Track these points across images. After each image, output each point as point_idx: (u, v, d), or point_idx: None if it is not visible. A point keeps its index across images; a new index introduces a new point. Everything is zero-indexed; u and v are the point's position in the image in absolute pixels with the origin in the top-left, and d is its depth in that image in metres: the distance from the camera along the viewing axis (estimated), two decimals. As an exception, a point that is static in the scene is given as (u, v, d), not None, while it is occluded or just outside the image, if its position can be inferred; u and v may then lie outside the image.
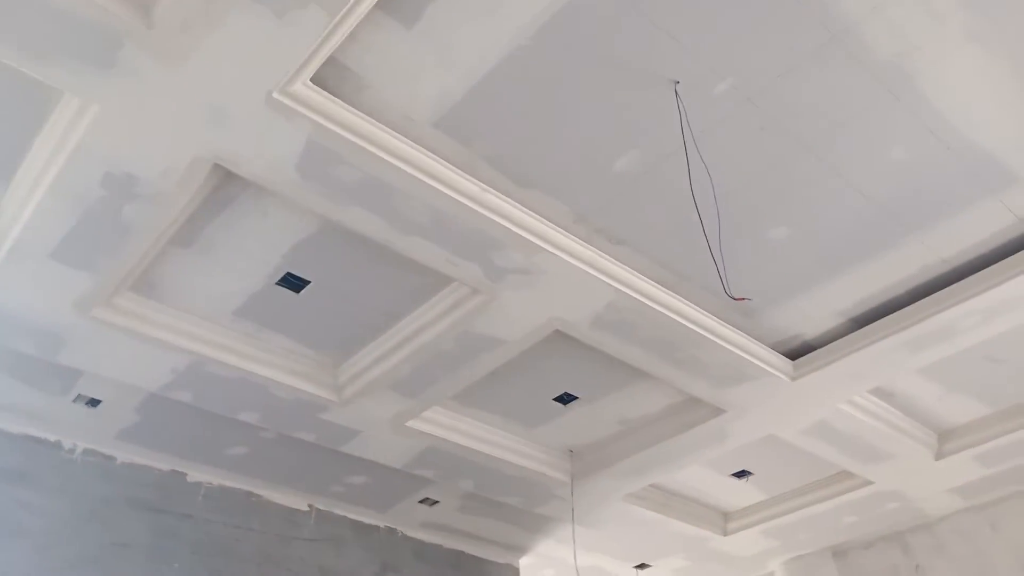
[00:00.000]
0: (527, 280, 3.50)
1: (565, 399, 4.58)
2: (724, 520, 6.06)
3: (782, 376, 4.22)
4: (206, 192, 3.17)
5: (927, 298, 3.86)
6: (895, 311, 3.95)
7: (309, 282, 3.62)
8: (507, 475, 5.02)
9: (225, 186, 3.19)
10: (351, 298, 3.75)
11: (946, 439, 5.09)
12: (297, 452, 4.67)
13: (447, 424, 4.62)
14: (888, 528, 6.20)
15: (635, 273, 3.62)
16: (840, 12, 2.62)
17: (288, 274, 3.56)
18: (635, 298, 3.63)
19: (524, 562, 6.49)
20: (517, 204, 3.23)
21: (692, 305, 3.83)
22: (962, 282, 3.77)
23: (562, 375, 4.38)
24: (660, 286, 3.71)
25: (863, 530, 6.16)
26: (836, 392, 4.37)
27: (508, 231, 3.23)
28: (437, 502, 5.46)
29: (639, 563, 6.72)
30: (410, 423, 4.48)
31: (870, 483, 5.38)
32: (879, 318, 4.00)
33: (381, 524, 5.66)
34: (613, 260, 3.55)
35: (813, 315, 4.03)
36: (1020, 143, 3.15)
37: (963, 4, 2.63)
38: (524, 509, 5.51)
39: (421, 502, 5.44)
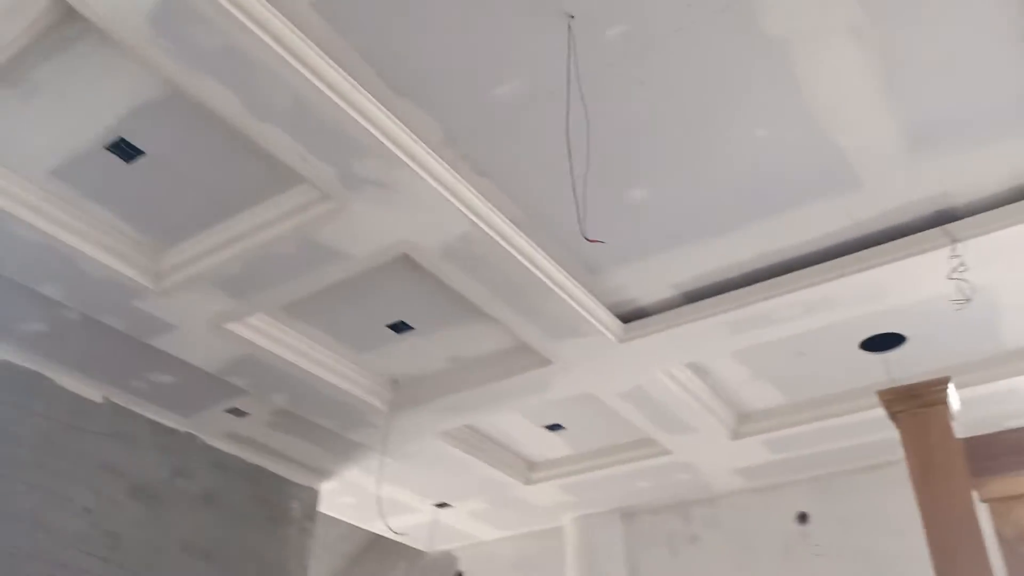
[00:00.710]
0: (383, 195, 3.36)
1: (400, 328, 4.48)
2: (529, 470, 6.22)
3: (611, 337, 4.33)
4: (42, 27, 2.79)
5: (757, 284, 4.06)
6: (726, 292, 4.14)
7: (143, 153, 3.29)
8: (324, 395, 4.88)
9: (66, 24, 2.82)
10: (188, 179, 3.45)
11: (743, 421, 5.45)
12: (101, 338, 4.30)
13: (270, 333, 4.42)
14: (674, 497, 6.59)
15: (494, 209, 3.56)
16: (741, -18, 2.64)
17: (121, 140, 3.22)
18: (490, 235, 3.57)
19: (326, 487, 6.39)
20: (387, 111, 3.07)
21: (543, 252, 3.84)
22: (790, 275, 3.99)
23: (400, 303, 4.28)
24: (516, 227, 3.68)
25: (652, 496, 6.52)
26: (658, 360, 4.54)
27: (373, 138, 3.07)
28: (246, 414, 5.24)
29: (440, 501, 6.79)
30: (231, 326, 4.24)
31: (669, 452, 5.68)
32: (710, 296, 4.17)
33: (181, 428, 5.36)
34: (475, 191, 3.47)
35: (650, 283, 4.14)
36: (871, 152, 3.33)
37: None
38: (336, 433, 5.40)
39: (228, 411, 5.20)
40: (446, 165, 3.33)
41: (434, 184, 3.31)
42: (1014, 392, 4.95)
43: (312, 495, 6.27)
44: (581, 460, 6.01)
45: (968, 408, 4.96)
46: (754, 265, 4.00)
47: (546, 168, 3.40)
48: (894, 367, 4.79)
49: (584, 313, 4.14)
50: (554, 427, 5.62)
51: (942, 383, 2.31)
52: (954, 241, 3.53)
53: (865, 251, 3.81)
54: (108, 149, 3.26)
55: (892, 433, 5.35)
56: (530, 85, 3.03)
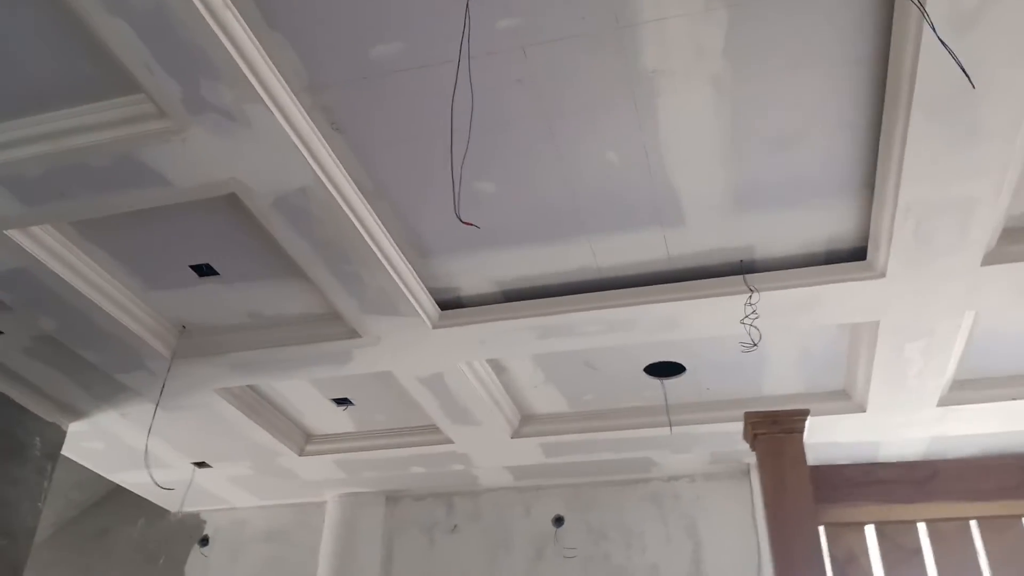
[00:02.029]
0: (227, 127, 3.14)
1: (204, 270, 4.20)
2: (305, 440, 6.06)
3: (427, 321, 4.33)
4: None
5: (570, 296, 4.23)
6: (542, 297, 4.28)
7: (-45, 16, 2.85)
8: (101, 328, 4.46)
9: None
10: (5, 58, 3.03)
11: (526, 422, 5.65)
12: None
13: (54, 249, 3.97)
14: (441, 486, 6.71)
15: (342, 168, 3.45)
16: (637, 8, 2.76)
17: (-70, -6, 2.77)
18: (332, 194, 3.45)
19: (74, 428, 5.85)
20: (255, 39, 2.89)
21: (381, 224, 3.77)
22: (601, 293, 4.20)
23: (211, 244, 4.01)
24: (359, 193, 3.59)
25: (422, 483, 6.59)
26: (465, 351, 4.61)
27: (232, 63, 2.86)
28: (2, 333, 4.68)
29: (200, 460, 6.43)
30: (10, 232, 3.76)
31: (451, 442, 5.77)
32: (526, 299, 4.30)
33: (-85, 338, 4.71)
34: (327, 146, 3.34)
35: (475, 276, 4.19)
36: (700, 196, 3.59)
37: (726, 52, 2.93)
38: (103, 371, 4.95)
39: (-20, 327, 4.63)
40: (304, 112, 3.18)
41: (287, 128, 3.15)
42: None
43: (58, 434, 5.72)
44: (361, 438, 5.94)
45: (722, 440, 5.51)
46: (573, 278, 4.17)
47: (403, 141, 3.35)
48: (670, 392, 5.19)
49: (407, 293, 4.11)
50: (342, 401, 5.52)
51: (802, 414, 2.60)
52: (752, 291, 3.89)
53: (671, 284, 4.10)
54: (-91, 1, 2.78)
55: (646, 453, 5.88)
56: (411, 53, 2.97)
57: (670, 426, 5.20)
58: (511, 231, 3.86)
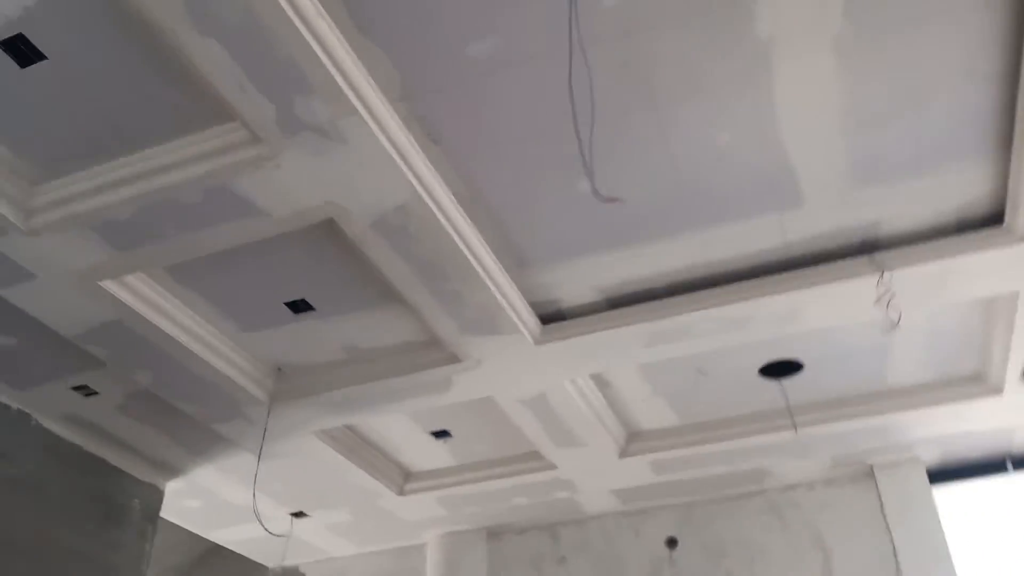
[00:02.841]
0: (323, 146, 3.01)
1: (299, 307, 4.07)
2: (404, 479, 5.87)
3: (529, 338, 4.13)
4: None
5: (680, 296, 4.00)
6: (648, 301, 4.05)
7: (46, 58, 2.78)
8: (197, 377, 4.36)
9: None
10: (92, 100, 2.95)
11: (633, 439, 5.39)
12: (-65, 282, 3.63)
13: (148, 298, 3.89)
14: (545, 518, 6.45)
15: (440, 181, 3.29)
16: (746, -29, 2.57)
17: (20, 37, 2.70)
18: (431, 209, 3.29)
19: (171, 486, 5.76)
20: (349, 48, 2.76)
21: (480, 237, 3.60)
22: (714, 289, 3.96)
23: (305, 277, 3.88)
24: (458, 205, 3.43)
25: (524, 515, 6.34)
26: (569, 367, 4.39)
27: (327, 75, 2.73)
28: (96, 393, 4.62)
29: (298, 510, 6.29)
30: (105, 283, 3.68)
31: (553, 468, 5.53)
32: (631, 304, 4.07)
33: (13, 404, 4.66)
34: (423, 157, 3.19)
35: (576, 284, 3.99)
36: (819, 170, 3.35)
37: (847, 11, 2.71)
38: (199, 423, 4.84)
39: (76, 388, 4.56)
40: (400, 123, 3.04)
41: (385, 142, 3.01)
42: (887, 428, 5.18)
43: (156, 495, 5.64)
44: (462, 471, 5.74)
45: (845, 441, 5.17)
46: (681, 276, 3.94)
47: (501, 144, 3.19)
48: (790, 393, 4.88)
49: (508, 309, 3.92)
50: (440, 434, 5.33)
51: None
52: (882, 270, 3.61)
53: (789, 273, 3.83)
54: (1, 45, 2.72)
55: (761, 462, 5.56)
56: (509, 46, 2.81)
57: (795, 428, 4.88)
58: (614, 231, 3.65)
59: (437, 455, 5.61)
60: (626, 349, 4.22)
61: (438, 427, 5.26)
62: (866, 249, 3.72)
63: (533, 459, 5.56)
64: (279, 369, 4.58)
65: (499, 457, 5.63)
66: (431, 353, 4.35)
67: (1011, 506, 5.71)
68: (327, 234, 3.56)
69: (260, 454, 4.68)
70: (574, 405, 4.75)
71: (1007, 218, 3.51)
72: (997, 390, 4.73)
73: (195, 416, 4.73)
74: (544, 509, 6.18)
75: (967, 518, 5.75)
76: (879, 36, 2.80)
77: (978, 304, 4.17)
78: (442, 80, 2.92)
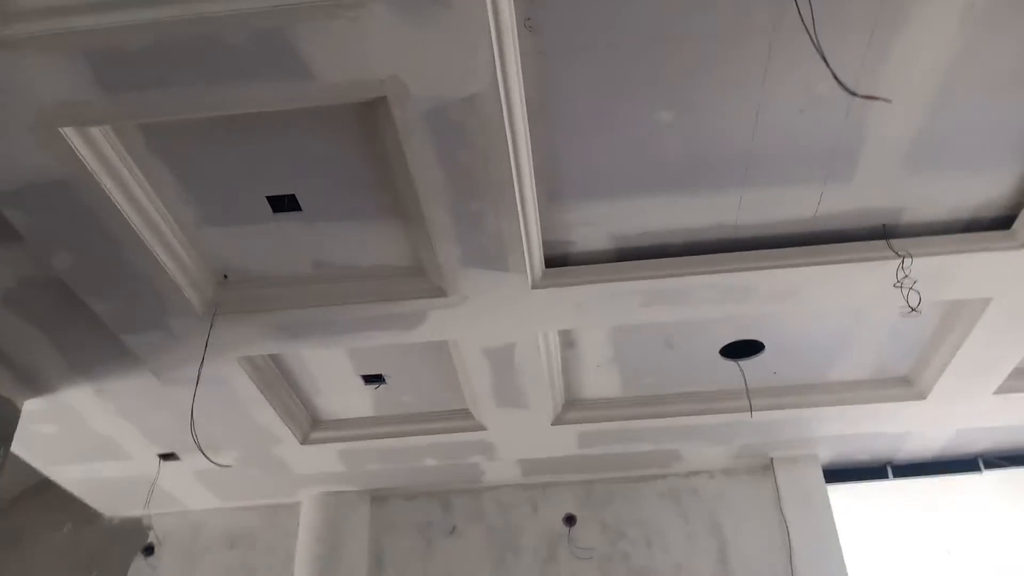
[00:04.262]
0: (419, 7, 2.57)
1: (284, 204, 3.52)
2: (312, 425, 5.32)
3: (529, 279, 3.83)
4: None
5: (689, 257, 3.87)
6: (657, 257, 3.89)
7: None
8: (129, 268, 3.61)
9: None
10: None
11: (570, 408, 5.19)
12: None
13: (109, 160, 3.19)
14: (437, 484, 6.12)
15: (520, 79, 2.93)
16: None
17: None
18: (500, 107, 2.91)
19: (30, 406, 4.86)
20: None
21: (530, 154, 3.26)
22: (723, 255, 3.85)
23: (306, 169, 3.35)
24: (525, 110, 3.08)
25: (419, 479, 5.98)
26: (556, 317, 4.12)
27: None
28: (-13, 271, 3.77)
29: (169, 451, 5.54)
30: (67, 130, 2.97)
31: (483, 429, 5.23)
32: (641, 258, 3.89)
33: None
34: (517, 47, 2.82)
35: (595, 227, 3.75)
36: (885, 147, 3.33)
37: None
38: (105, 329, 4.08)
39: (-40, 264, 3.70)
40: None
41: (491, 16, 2.62)
42: (798, 422, 5.33)
43: (11, 412, 4.73)
44: (379, 423, 5.28)
45: (761, 430, 5.28)
46: (701, 236, 3.81)
47: (600, 49, 2.90)
48: (734, 377, 4.90)
49: (525, 243, 3.60)
50: (373, 378, 4.86)
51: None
52: (903, 255, 3.67)
53: (803, 248, 3.82)
54: None
55: (680, 445, 5.58)
56: (663, -68, 2.54)
57: (751, 411, 4.91)
58: (663, 174, 3.46)
59: (358, 403, 5.13)
60: (622, 306, 4.03)
61: (374, 370, 4.80)
62: (883, 235, 3.77)
63: (462, 417, 5.22)
64: (225, 276, 3.95)
65: (425, 412, 5.24)
66: (413, 282, 3.92)
67: (893, 509, 6.12)
68: (362, 118, 3.08)
69: (199, 375, 3.99)
70: (536, 362, 4.49)
71: (1017, 222, 3.67)
72: (921, 395, 5.01)
73: (104, 318, 3.97)
74: (449, 474, 5.85)
75: (856, 517, 6.10)
76: (1007, 10, 2.80)
77: (939, 307, 4.37)
78: (572, -41, 2.59)
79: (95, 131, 3.05)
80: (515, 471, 5.95)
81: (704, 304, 4.05)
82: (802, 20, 2.30)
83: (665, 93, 3.06)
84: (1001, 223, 3.75)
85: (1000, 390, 4.93)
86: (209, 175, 3.37)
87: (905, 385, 5.05)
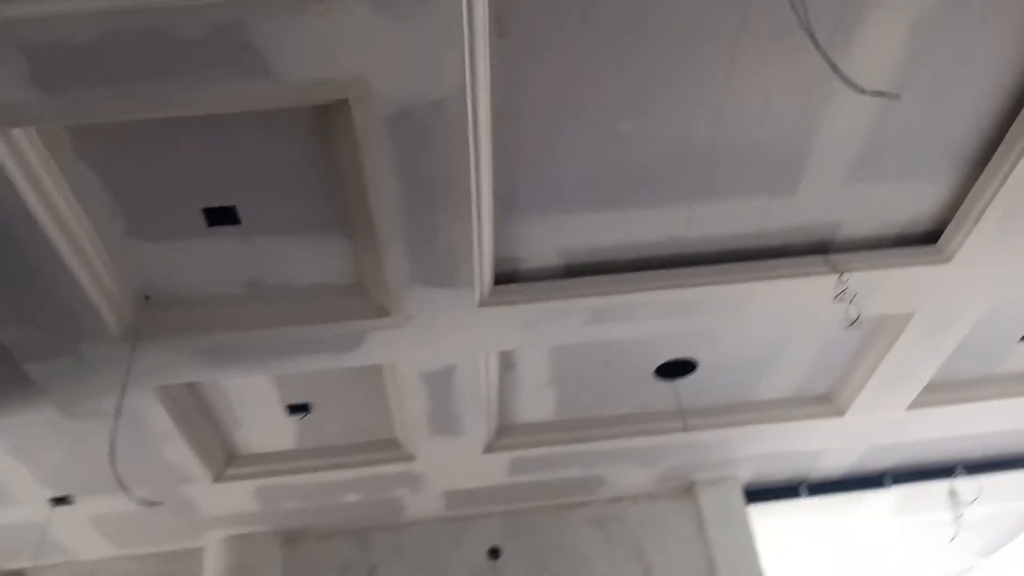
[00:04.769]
0: (395, 3, 2.46)
1: (221, 217, 3.28)
2: (227, 461, 4.96)
3: (476, 296, 3.72)
4: None
5: (639, 272, 3.87)
6: (606, 273, 3.86)
7: None
8: (42, 285, 3.28)
9: None
10: None
11: (503, 434, 5.07)
12: None
13: (30, 166, 2.87)
14: (354, 522, 5.85)
15: (487, 83, 2.84)
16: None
17: None
18: (467, 112, 2.82)
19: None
20: None
21: (491, 162, 3.17)
22: (673, 271, 3.87)
23: (249, 179, 3.14)
24: (491, 115, 3.00)
25: (344, 516, 5.69)
26: (501, 336, 4.02)
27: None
28: None
29: (63, 494, 5.03)
30: (-14, 129, 2.67)
31: (411, 459, 5.03)
32: (589, 274, 3.86)
33: None
34: (487, 49, 2.74)
35: (545, 242, 3.68)
36: (832, 157, 3.42)
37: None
38: (6, 356, 3.68)
39: None
40: (486, 2, 2.58)
41: (465, 16, 2.53)
42: (719, 443, 5.41)
43: None
44: (300, 457, 4.99)
45: (686, 452, 5.32)
46: (650, 252, 3.81)
47: (568, 54, 2.86)
48: (666, 398, 4.93)
49: (476, 258, 3.49)
50: (299, 408, 4.59)
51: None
52: (841, 271, 3.79)
53: (749, 263, 3.88)
54: None
55: (608, 469, 5.55)
56: (643, -62, 2.54)
57: (685, 430, 4.92)
58: (621, 186, 3.44)
59: (279, 435, 4.83)
60: (568, 324, 3.98)
61: (300, 399, 4.53)
62: (821, 249, 3.88)
63: (390, 448, 5.01)
64: (147, 297, 3.64)
65: (351, 443, 4.99)
66: (354, 302, 3.74)
67: (808, 527, 6.28)
68: (315, 121, 2.93)
69: (120, 406, 3.62)
70: (475, 385, 4.36)
71: (943, 238, 3.86)
72: (840, 412, 5.18)
73: (7, 343, 3.58)
74: (366, 510, 5.59)
75: (776, 536, 6.21)
76: (952, 22, 2.91)
77: (866, 322, 4.53)
78: (551, -39, 2.54)
79: (16, 132, 2.75)
80: (439, 504, 5.76)
81: (649, 321, 4.05)
82: (799, 22, 2.33)
83: (627, 102, 3.05)
84: (929, 238, 3.94)
85: (912, 405, 5.16)
86: (141, 183, 3.10)
87: (825, 402, 5.21)
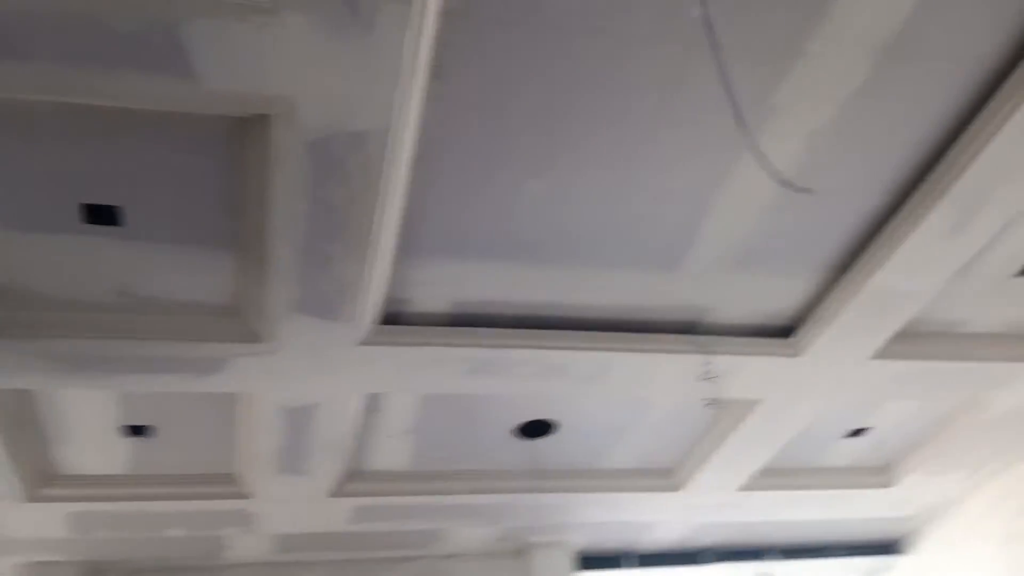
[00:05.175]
0: (340, 26, 2.39)
1: (102, 216, 3.04)
2: (44, 480, 4.49)
3: (357, 334, 3.64)
4: None
5: (521, 330, 3.92)
6: (491, 327, 3.89)
7: None
8: None
9: None
10: None
11: (352, 479, 4.90)
12: None
13: None
14: (172, 558, 5.46)
15: (415, 123, 2.83)
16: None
17: None
18: (388, 149, 2.78)
19: None
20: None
21: (402, 202, 3.13)
22: (552, 331, 3.95)
23: (142, 181, 2.94)
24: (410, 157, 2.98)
25: (159, 552, 5.30)
26: (375, 378, 3.95)
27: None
28: None
29: None
30: None
31: (247, 497, 4.77)
32: (474, 325, 3.87)
33: None
34: (421, 88, 2.74)
35: (436, 288, 3.67)
36: (716, 246, 3.64)
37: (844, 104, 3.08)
38: None
39: None
40: (433, 38, 2.58)
41: (409, 52, 2.53)
42: (559, 507, 5.50)
43: None
44: (127, 484, 4.61)
45: (529, 514, 5.38)
46: (536, 311, 3.88)
47: (495, 110, 2.91)
48: (524, 458, 4.97)
49: (366, 295, 3.42)
50: (138, 430, 4.25)
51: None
52: (708, 352, 4.01)
53: (627, 334, 4.03)
54: None
55: (445, 525, 5.50)
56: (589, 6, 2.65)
57: (539, 492, 4.95)
58: (521, 243, 3.49)
59: (110, 458, 4.45)
60: (445, 372, 3.96)
61: (141, 421, 4.20)
62: (690, 330, 4.10)
63: (226, 483, 4.73)
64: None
65: (185, 474, 4.66)
66: (224, 323, 3.55)
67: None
68: (230, 132, 2.80)
69: None
70: (336, 427, 4.23)
71: (798, 333, 4.18)
72: (678, 487, 5.42)
73: None
74: (185, 547, 5.24)
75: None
76: (852, 134, 3.20)
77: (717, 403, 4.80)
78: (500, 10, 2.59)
79: None
80: (266, 547, 5.47)
81: (523, 379, 4.10)
82: (733, 115, 2.49)
83: (541, 164, 3.13)
84: (784, 332, 4.25)
85: (744, 487, 5.48)
86: (16, 167, 2.83)
87: (666, 476, 5.44)
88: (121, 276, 3.29)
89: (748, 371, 4.28)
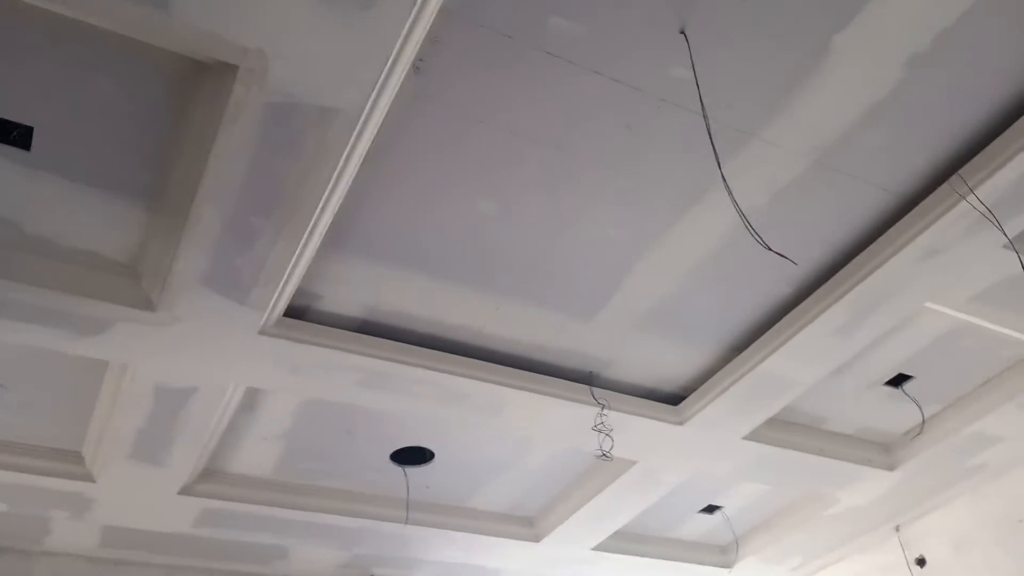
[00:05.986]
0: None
1: (11, 135, 2.74)
2: None
3: (260, 321, 3.43)
4: None
5: (426, 348, 3.83)
6: (399, 341, 3.78)
7: None
8: None
9: None
10: None
11: (206, 478, 4.57)
12: None
13: None
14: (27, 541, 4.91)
15: (384, 112, 2.75)
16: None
17: None
18: (353, 132, 2.70)
19: None
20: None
21: (346, 191, 3.00)
22: (453, 356, 3.89)
23: (72, 106, 2.69)
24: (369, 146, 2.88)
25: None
26: (264, 371, 3.69)
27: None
28: None
29: None
30: None
31: (90, 481, 4.33)
32: (381, 336, 3.75)
33: None
34: (399, 78, 2.67)
35: (353, 290, 3.52)
36: (632, 299, 3.73)
37: (794, 183, 3.27)
38: None
39: None
40: (428, 27, 2.53)
41: (402, 37, 2.47)
42: (414, 541, 5.36)
43: None
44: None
45: (408, 545, 5.23)
46: (447, 333, 3.81)
47: (470, 117, 2.89)
48: (397, 486, 4.82)
49: (281, 281, 3.25)
50: (-12, 386, 3.82)
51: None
52: (603, 404, 4.05)
53: (531, 373, 4.02)
54: None
55: (292, 542, 5.23)
56: (589, 39, 2.69)
57: (406, 522, 4.77)
58: (451, 260, 3.44)
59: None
60: (339, 379, 3.78)
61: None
62: (588, 380, 4.13)
63: (70, 461, 4.30)
64: None
65: (24, 443, 4.21)
66: (118, 283, 3.26)
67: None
68: (185, 75, 2.63)
69: None
70: (207, 417, 3.95)
71: (686, 403, 4.31)
72: (537, 538, 5.39)
73: None
74: (23, 525, 4.71)
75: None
76: (779, 225, 3.37)
77: (589, 459, 4.83)
78: (492, 17, 2.58)
79: None
80: (93, 539, 4.98)
81: (417, 399, 3.98)
82: (720, 173, 2.57)
83: (498, 184, 3.12)
84: (672, 399, 4.37)
85: (598, 547, 5.52)
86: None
87: (527, 525, 5.40)
88: (11, 207, 2.98)
89: (632, 431, 4.35)
